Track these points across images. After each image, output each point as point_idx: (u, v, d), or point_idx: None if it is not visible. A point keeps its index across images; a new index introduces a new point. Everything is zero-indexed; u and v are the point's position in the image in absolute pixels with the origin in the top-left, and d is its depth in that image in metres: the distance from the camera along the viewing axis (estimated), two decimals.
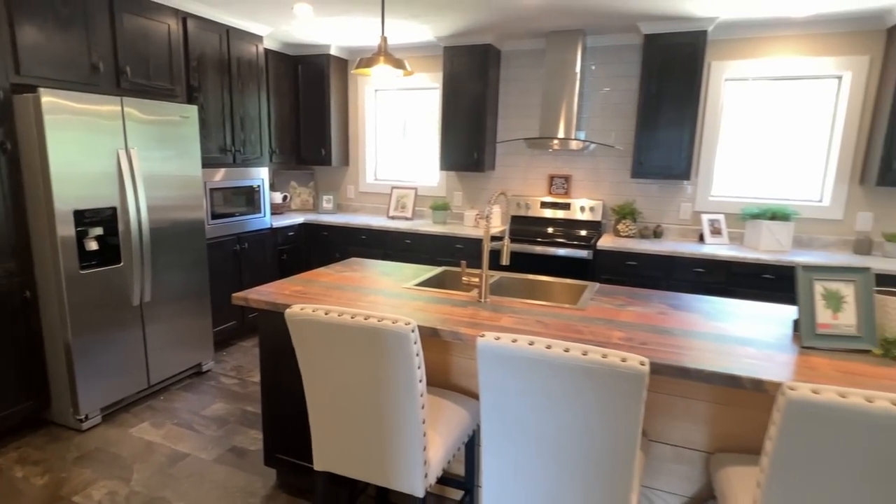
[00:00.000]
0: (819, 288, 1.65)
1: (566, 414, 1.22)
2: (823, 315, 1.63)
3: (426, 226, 4.24)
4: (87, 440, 2.62)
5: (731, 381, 1.39)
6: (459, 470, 2.10)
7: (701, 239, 3.74)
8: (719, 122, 3.74)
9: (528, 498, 1.35)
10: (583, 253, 3.60)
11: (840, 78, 3.46)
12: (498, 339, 1.24)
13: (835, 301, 1.63)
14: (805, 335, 1.62)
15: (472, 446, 1.93)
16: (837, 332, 1.61)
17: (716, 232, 3.67)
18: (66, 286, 2.55)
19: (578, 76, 3.77)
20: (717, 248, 3.45)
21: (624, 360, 1.13)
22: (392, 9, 3.37)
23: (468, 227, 4.20)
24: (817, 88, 3.55)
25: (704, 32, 3.40)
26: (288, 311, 1.47)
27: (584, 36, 3.80)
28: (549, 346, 1.19)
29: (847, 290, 1.63)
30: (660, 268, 3.43)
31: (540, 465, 1.30)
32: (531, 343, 1.21)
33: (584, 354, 1.16)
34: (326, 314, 1.42)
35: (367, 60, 2.02)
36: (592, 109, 4.04)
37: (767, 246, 3.39)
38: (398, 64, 2.03)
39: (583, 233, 4.04)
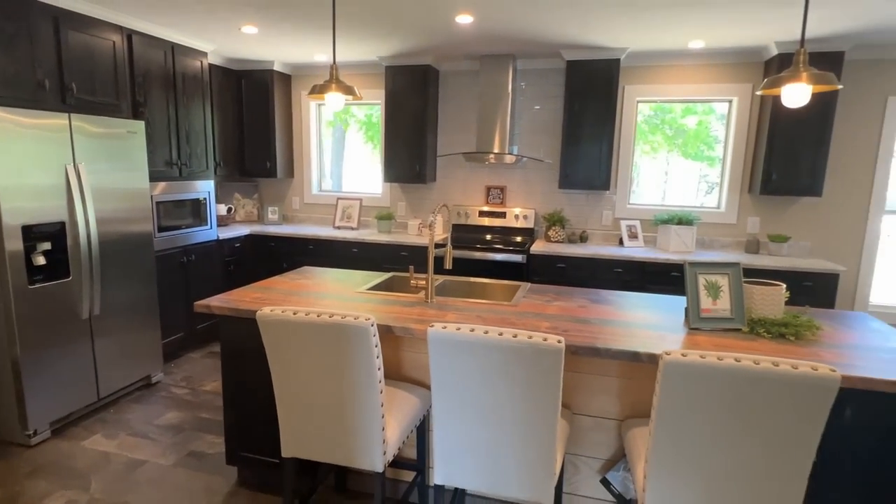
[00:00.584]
0: (702, 280, 2.03)
1: (501, 387, 1.50)
2: (706, 302, 2.01)
3: (372, 235, 4.44)
4: (38, 454, 2.62)
5: (633, 357, 1.73)
6: (412, 454, 2.33)
7: (620, 242, 4.19)
8: (633, 138, 4.22)
9: (471, 461, 1.61)
10: (518, 257, 3.94)
11: (731, 101, 4.02)
12: (445, 327, 1.50)
13: (714, 290, 2.01)
14: (692, 319, 1.99)
15: (423, 430, 2.16)
16: (716, 315, 1.99)
17: (633, 236, 4.13)
18: (14, 301, 2.56)
19: (510, 96, 4.14)
20: (634, 251, 3.90)
21: (545, 339, 1.42)
22: (338, 32, 3.58)
23: (412, 236, 4.45)
24: (714, 110, 4.10)
25: (618, 60, 3.85)
26: (259, 312, 1.66)
27: (515, 59, 4.17)
28: (486, 332, 1.46)
29: (723, 282, 2.02)
30: (585, 269, 3.82)
31: (481, 431, 1.57)
32: (472, 330, 1.47)
33: (514, 337, 1.44)
34: (295, 314, 1.62)
35: (321, 87, 2.23)
36: (524, 126, 4.42)
37: (676, 247, 3.87)
38: (349, 90, 2.26)
39: (518, 239, 4.39)
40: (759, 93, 1.97)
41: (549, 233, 4.27)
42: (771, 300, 2.01)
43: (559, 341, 1.42)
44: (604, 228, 4.35)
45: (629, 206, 4.30)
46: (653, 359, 1.69)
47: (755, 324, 1.96)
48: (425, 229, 4.63)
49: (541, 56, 4.14)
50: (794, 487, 1.34)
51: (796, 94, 1.81)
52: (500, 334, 1.45)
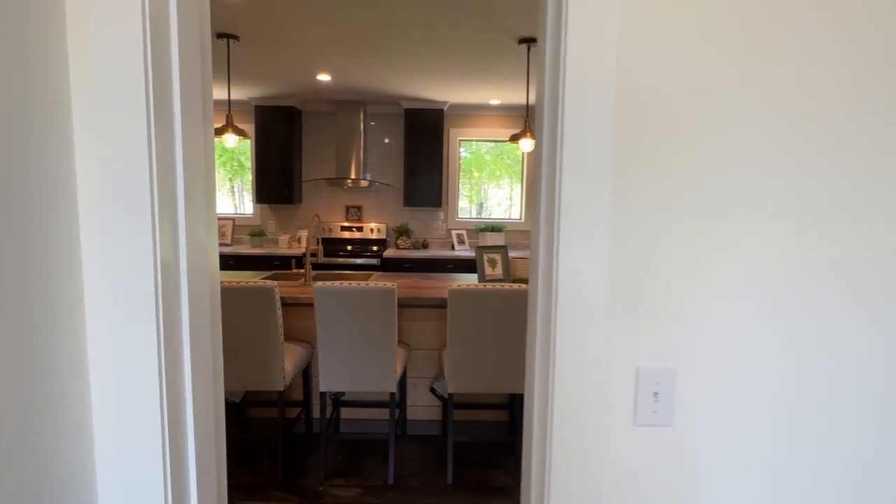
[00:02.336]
0: (486, 257, 3.25)
1: (360, 319, 2.49)
2: (488, 270, 3.22)
3: (246, 249, 5.12)
4: None
5: (441, 302, 2.83)
6: (300, 396, 3.17)
7: (452, 247, 5.44)
8: (458, 168, 5.54)
9: (343, 371, 2.56)
10: (374, 261, 4.96)
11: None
12: (325, 283, 2.45)
13: (493, 263, 3.24)
14: (479, 280, 3.19)
15: (307, 376, 3.04)
16: (495, 278, 3.22)
17: (461, 242, 5.41)
18: None
19: (363, 133, 5.20)
20: (461, 252, 5.16)
21: (384, 285, 2.46)
22: (219, 80, 4.32)
23: (283, 248, 5.22)
24: (513, 147, 5.61)
25: (442, 110, 5.14)
26: None
27: (364, 105, 5.25)
28: (349, 283, 2.45)
29: (497, 257, 3.26)
30: (426, 267, 4.97)
31: (348, 353, 2.53)
32: (341, 283, 2.45)
33: (366, 284, 2.45)
34: (222, 282, 2.44)
35: (220, 130, 3.05)
36: (375, 157, 5.50)
37: None
38: (241, 132, 3.10)
39: (374, 248, 5.42)
40: (507, 140, 3.29)
41: (398, 242, 5.37)
42: (524, 267, 3.30)
43: (392, 286, 2.46)
44: (440, 237, 5.59)
45: (457, 219, 5.59)
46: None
47: (516, 280, 3.22)
48: (294, 243, 5.42)
49: (385, 104, 5.28)
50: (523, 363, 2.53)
51: (527, 145, 3.14)
52: (359, 284, 2.45)
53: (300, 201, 5.51)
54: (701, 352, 0.94)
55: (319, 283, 2.46)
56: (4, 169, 0.69)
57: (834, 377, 0.93)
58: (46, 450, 0.77)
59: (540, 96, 0.98)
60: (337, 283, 2.46)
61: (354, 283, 2.46)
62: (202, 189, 1.00)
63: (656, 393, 0.98)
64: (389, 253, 5.04)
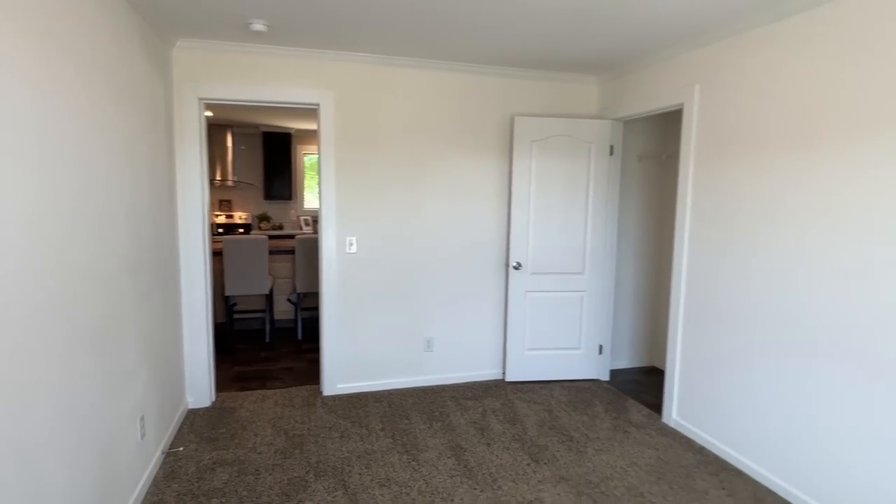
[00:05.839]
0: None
1: (247, 254, 4.83)
2: None
3: None
4: None
5: (292, 249, 5.28)
6: None
7: (300, 228, 7.80)
8: (303, 172, 7.90)
9: (238, 284, 4.88)
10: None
11: None
12: (230, 236, 4.76)
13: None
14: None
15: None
16: None
17: (307, 224, 7.80)
18: None
19: (231, 147, 7.29)
20: (307, 232, 7.56)
21: (262, 236, 4.84)
22: None
23: None
24: None
25: (290, 133, 7.47)
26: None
27: (232, 128, 7.35)
28: (242, 235, 4.79)
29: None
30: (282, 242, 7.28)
31: (241, 272, 4.86)
32: (238, 235, 4.78)
33: (249, 235, 4.82)
34: None
35: None
36: (240, 163, 7.61)
37: None
38: None
39: (241, 230, 7.53)
40: None
41: (261, 225, 7.58)
42: None
43: (265, 237, 4.86)
44: (292, 222, 7.91)
45: (305, 208, 7.96)
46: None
47: None
48: None
49: (250, 127, 7.43)
50: None
51: None
52: (246, 235, 4.80)
53: None
54: (361, 230, 3.62)
55: (227, 237, 4.77)
56: (167, 215, 3.12)
57: (425, 223, 3.69)
58: (175, 283, 3.20)
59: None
60: (236, 235, 4.78)
61: (244, 235, 4.80)
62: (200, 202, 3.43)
63: (351, 243, 3.64)
64: (254, 233, 7.24)
